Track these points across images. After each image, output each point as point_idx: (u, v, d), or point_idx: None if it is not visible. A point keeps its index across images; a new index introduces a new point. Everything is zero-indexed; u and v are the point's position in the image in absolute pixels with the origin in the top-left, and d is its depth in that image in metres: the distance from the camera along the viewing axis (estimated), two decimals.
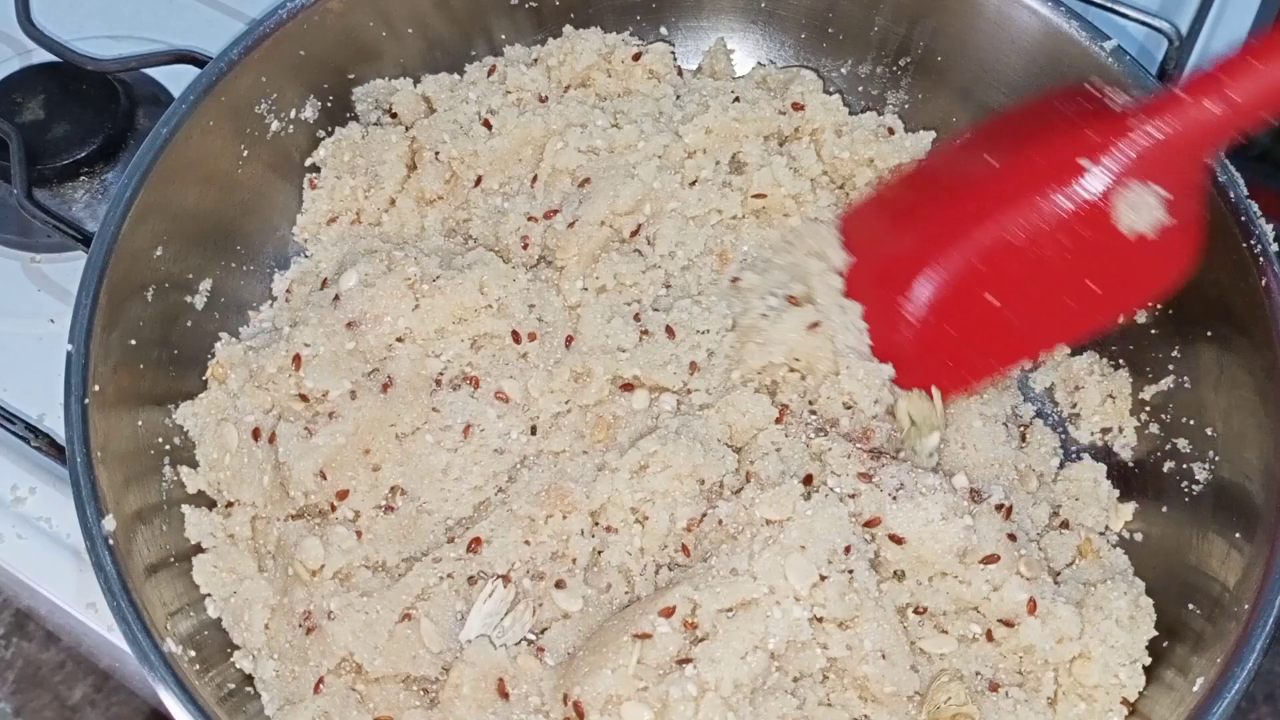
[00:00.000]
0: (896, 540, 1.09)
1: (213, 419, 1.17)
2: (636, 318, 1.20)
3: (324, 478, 1.11)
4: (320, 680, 1.06)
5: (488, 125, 1.30)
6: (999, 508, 1.13)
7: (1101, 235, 1.10)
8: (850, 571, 1.06)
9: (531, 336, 1.18)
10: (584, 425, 1.16)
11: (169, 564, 1.10)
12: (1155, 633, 1.11)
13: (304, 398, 1.15)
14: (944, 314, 1.18)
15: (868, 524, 1.10)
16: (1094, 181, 1.08)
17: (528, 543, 1.10)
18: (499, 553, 1.09)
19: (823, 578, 1.04)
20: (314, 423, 1.14)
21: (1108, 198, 1.08)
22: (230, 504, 1.15)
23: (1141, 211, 1.08)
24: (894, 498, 1.10)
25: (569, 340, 1.18)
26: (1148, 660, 1.09)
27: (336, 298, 1.18)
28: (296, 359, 1.15)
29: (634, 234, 1.24)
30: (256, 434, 1.14)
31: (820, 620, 1.04)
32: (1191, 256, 1.11)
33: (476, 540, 1.10)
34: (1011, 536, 1.12)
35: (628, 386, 1.16)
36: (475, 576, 1.09)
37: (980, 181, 1.16)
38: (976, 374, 1.21)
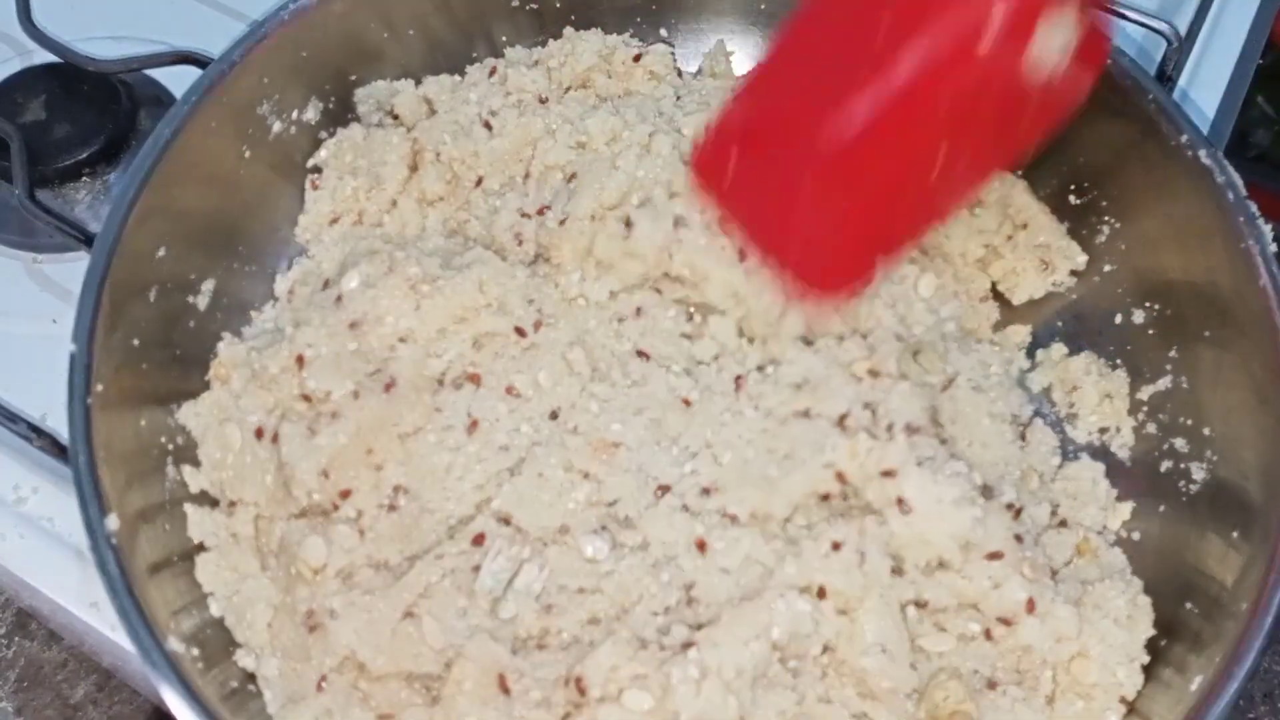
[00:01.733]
0: (904, 508, 1.10)
1: (215, 419, 1.17)
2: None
3: (327, 477, 1.11)
4: (323, 678, 1.06)
5: (488, 126, 1.30)
6: (1009, 507, 1.13)
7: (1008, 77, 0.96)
8: (863, 553, 1.07)
9: (537, 325, 1.19)
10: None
11: (172, 563, 1.10)
12: (1153, 631, 1.11)
13: (307, 398, 1.15)
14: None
15: (885, 473, 1.10)
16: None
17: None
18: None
19: (835, 546, 1.06)
20: (316, 423, 1.14)
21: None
22: (233, 503, 1.15)
23: (1054, 41, 0.94)
24: (919, 463, 1.10)
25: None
26: (1146, 659, 1.10)
27: (339, 298, 1.18)
28: (300, 359, 1.16)
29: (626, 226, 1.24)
30: (260, 434, 1.15)
31: (823, 595, 1.05)
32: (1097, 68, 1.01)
33: (480, 536, 1.10)
34: (1018, 538, 1.12)
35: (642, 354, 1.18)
36: (479, 566, 1.10)
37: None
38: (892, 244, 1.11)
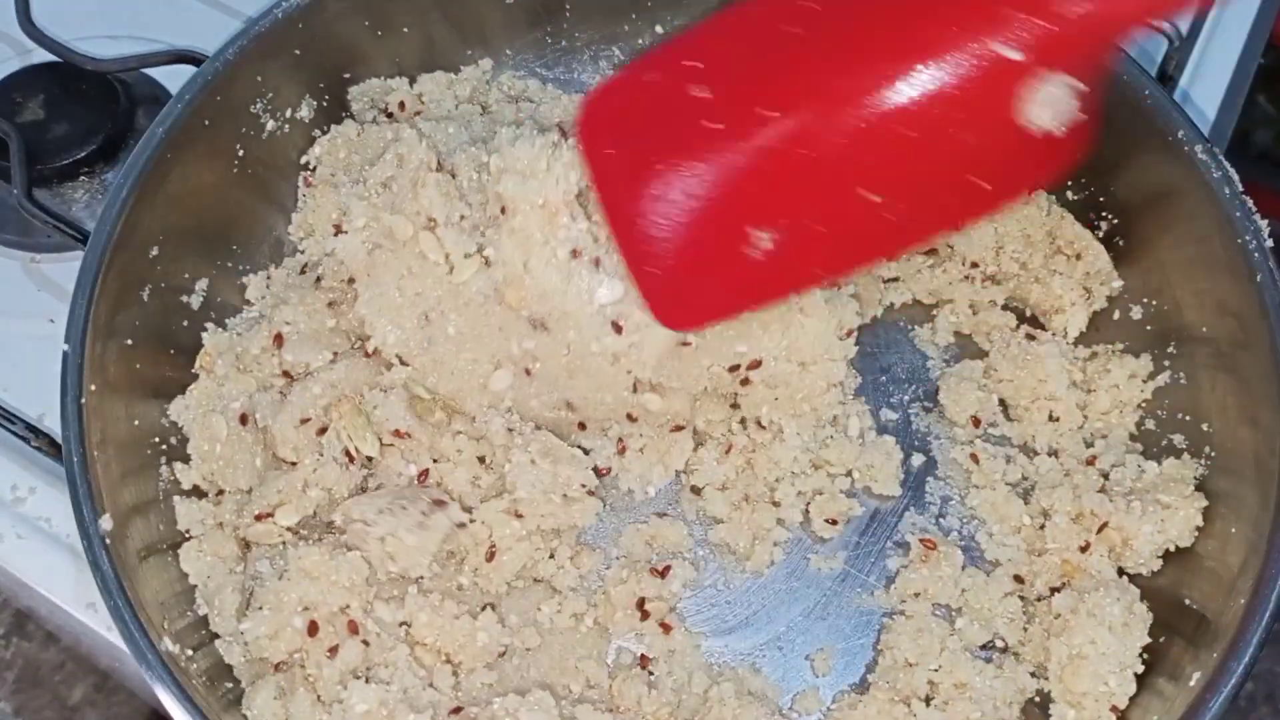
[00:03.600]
0: None
1: (202, 411, 1.17)
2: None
3: (306, 422, 1.13)
4: (280, 663, 1.07)
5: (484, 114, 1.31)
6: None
7: (998, 127, 0.93)
8: None
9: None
10: None
11: (165, 562, 1.11)
12: (1148, 639, 1.10)
13: (287, 375, 1.17)
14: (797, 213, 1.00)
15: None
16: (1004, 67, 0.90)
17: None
18: None
19: None
20: (289, 387, 1.16)
21: (1017, 87, 0.91)
22: (221, 492, 1.16)
23: (1053, 107, 0.92)
24: None
25: None
26: (1140, 667, 1.09)
27: (318, 280, 1.20)
28: (278, 338, 1.17)
29: None
30: (244, 419, 1.15)
31: None
32: (1084, 145, 0.97)
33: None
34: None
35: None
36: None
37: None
38: (831, 271, 1.08)
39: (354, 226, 1.18)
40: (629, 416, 1.20)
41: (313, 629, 1.05)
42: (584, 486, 1.15)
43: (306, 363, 1.17)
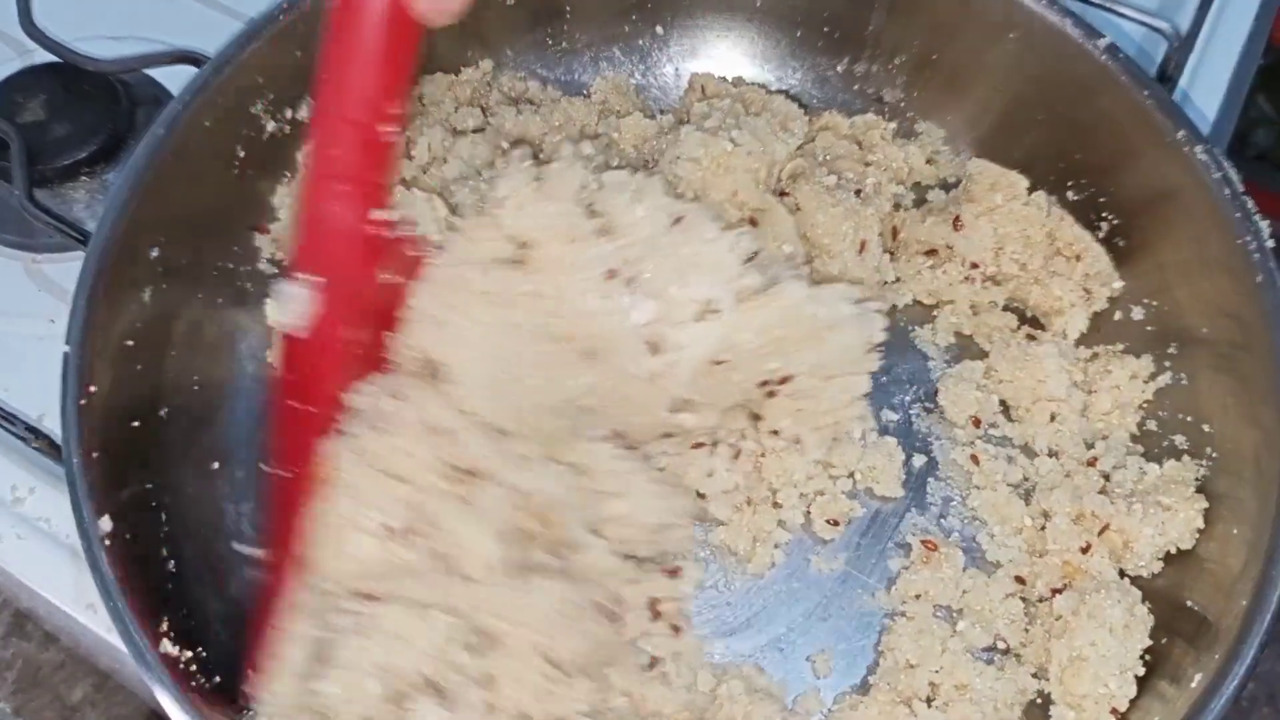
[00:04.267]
0: None
1: None
2: None
3: None
4: None
5: (483, 118, 1.31)
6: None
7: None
8: None
9: None
10: None
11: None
12: (1149, 641, 1.10)
13: None
14: None
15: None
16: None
17: None
18: None
19: None
20: None
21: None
22: None
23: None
24: None
25: None
26: (1141, 669, 1.09)
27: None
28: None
29: None
30: None
31: None
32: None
33: None
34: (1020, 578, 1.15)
35: None
36: None
37: None
38: None
39: None
40: (665, 435, 1.19)
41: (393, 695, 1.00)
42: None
43: None
